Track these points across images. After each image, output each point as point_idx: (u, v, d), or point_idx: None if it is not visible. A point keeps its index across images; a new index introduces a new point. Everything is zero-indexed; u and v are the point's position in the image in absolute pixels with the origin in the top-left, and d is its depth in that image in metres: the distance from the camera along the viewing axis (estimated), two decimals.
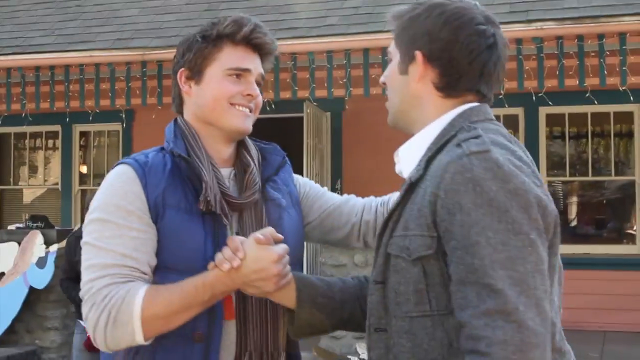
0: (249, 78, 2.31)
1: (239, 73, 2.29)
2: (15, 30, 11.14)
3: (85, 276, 2.13)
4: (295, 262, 2.34)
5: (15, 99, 10.61)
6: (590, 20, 8.52)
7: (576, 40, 8.64)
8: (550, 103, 9.02)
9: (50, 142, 12.62)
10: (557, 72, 8.64)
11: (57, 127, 12.10)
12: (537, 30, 8.51)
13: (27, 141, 12.66)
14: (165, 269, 2.16)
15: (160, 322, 2.07)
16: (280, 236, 2.14)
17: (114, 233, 2.13)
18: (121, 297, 2.06)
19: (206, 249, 2.17)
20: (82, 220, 11.63)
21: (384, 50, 8.89)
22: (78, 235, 6.33)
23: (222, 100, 2.27)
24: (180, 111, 2.40)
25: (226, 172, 2.34)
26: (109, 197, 2.18)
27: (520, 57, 8.57)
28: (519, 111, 10.21)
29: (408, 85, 2.01)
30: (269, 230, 2.12)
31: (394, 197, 2.45)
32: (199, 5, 10.85)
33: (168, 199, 2.18)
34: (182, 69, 2.33)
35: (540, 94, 8.81)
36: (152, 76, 9.96)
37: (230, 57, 2.29)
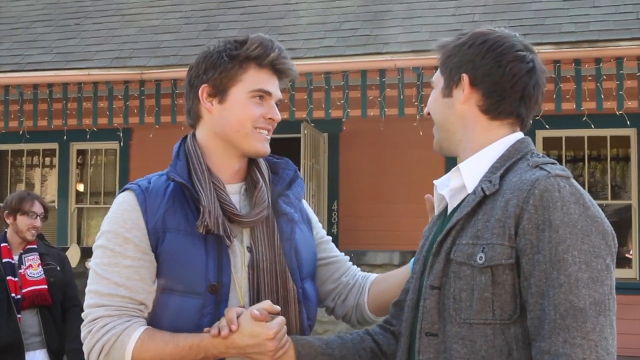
0: (270, 101, 2.34)
1: (262, 95, 2.31)
2: (14, 47, 11.16)
3: (85, 300, 2.23)
4: (308, 278, 2.39)
5: (12, 116, 10.63)
6: (587, 44, 8.58)
7: (573, 64, 8.71)
8: (547, 126, 9.02)
9: (48, 159, 12.57)
10: (554, 96, 8.67)
11: (54, 145, 12.06)
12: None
13: (24, 159, 12.61)
14: (169, 291, 2.21)
15: None
16: (277, 308, 2.17)
17: (110, 260, 2.21)
18: (116, 334, 2.15)
19: (208, 270, 2.19)
20: (78, 240, 11.55)
21: (381, 72, 8.93)
22: None
23: (246, 123, 2.30)
24: (194, 125, 2.40)
25: (236, 188, 2.36)
26: (110, 225, 2.26)
27: None
28: None
29: (453, 107, 2.13)
30: (266, 305, 2.16)
31: (373, 276, 2.56)
32: (198, 26, 10.86)
33: (168, 222, 2.23)
34: (205, 85, 2.32)
35: (537, 117, 8.82)
36: (150, 95, 9.97)
37: (254, 79, 2.32)
